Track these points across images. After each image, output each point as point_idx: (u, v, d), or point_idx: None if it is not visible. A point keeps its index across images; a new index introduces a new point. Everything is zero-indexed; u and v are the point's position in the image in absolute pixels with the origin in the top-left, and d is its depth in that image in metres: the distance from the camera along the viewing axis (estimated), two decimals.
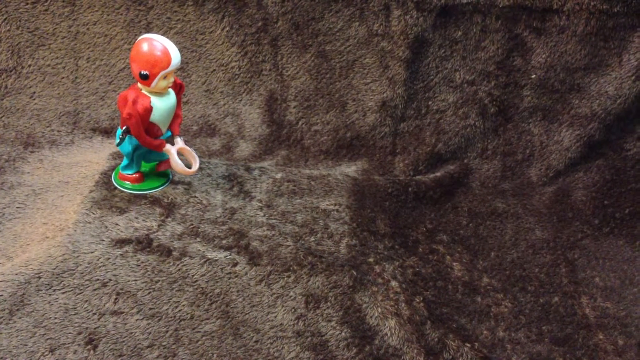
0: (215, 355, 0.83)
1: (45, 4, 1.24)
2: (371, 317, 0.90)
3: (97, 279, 0.87)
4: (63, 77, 1.26)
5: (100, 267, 0.88)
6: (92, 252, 0.89)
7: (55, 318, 0.82)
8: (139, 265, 0.89)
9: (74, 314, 0.83)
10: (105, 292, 0.86)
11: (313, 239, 0.99)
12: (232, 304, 0.88)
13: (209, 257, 0.92)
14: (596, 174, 1.27)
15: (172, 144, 1.01)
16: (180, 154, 1.01)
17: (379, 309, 0.91)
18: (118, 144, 0.98)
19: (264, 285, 0.90)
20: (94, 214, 0.95)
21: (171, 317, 0.85)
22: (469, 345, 0.91)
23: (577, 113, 1.29)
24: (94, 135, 1.23)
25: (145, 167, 1.05)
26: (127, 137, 0.97)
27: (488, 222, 1.19)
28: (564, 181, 1.28)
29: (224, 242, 0.95)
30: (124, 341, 0.82)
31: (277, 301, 0.89)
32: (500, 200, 1.24)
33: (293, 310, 0.89)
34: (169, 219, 0.97)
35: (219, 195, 1.05)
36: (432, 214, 1.18)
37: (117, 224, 0.94)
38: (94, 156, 1.14)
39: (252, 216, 1.02)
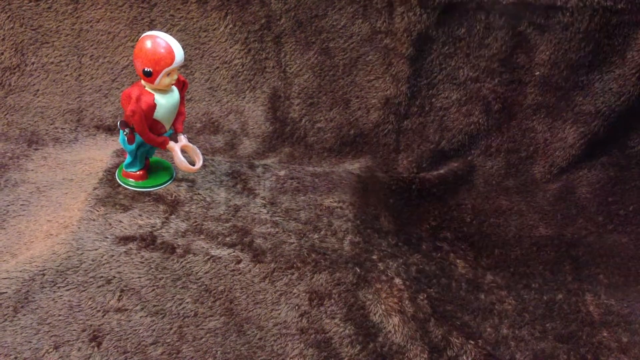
0: (219, 352, 0.83)
1: (49, 1, 1.24)
2: (375, 314, 0.90)
3: (101, 276, 0.87)
4: (66, 75, 1.26)
5: (104, 264, 0.88)
6: (96, 250, 0.89)
7: (60, 315, 0.82)
8: (143, 263, 0.89)
9: (78, 311, 0.83)
10: (110, 289, 0.86)
11: (317, 236, 0.99)
12: (235, 301, 0.88)
13: (213, 254, 0.92)
14: (600, 171, 1.27)
15: (176, 141, 1.01)
16: (183, 151, 1.01)
17: (383, 306, 0.91)
18: (127, 142, 0.99)
19: (267, 283, 0.90)
20: (97, 211, 0.96)
21: (175, 314, 0.85)
22: (472, 342, 0.91)
23: (581, 110, 1.28)
24: (97, 133, 1.23)
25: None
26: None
27: (492, 219, 1.18)
28: (567, 178, 1.28)
29: (227, 239, 0.95)
30: (128, 338, 0.82)
31: (280, 298, 0.89)
32: (504, 197, 1.24)
33: (297, 307, 0.89)
34: (173, 216, 0.98)
35: (222, 192, 1.05)
36: (436, 211, 1.18)
37: (121, 221, 0.94)
38: (98, 153, 1.14)
39: (255, 213, 1.02)
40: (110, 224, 0.94)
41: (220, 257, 0.92)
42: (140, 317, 0.84)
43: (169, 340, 0.83)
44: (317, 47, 1.29)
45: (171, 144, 0.99)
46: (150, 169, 1.05)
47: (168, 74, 0.93)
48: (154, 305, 0.86)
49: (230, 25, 1.27)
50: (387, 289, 0.94)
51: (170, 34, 0.95)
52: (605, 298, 1.06)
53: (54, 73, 1.26)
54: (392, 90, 1.28)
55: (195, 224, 0.97)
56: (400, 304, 0.92)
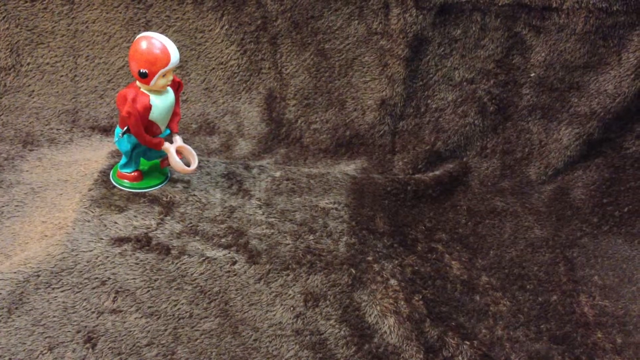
0: (214, 353, 0.83)
1: (44, 2, 1.24)
2: (370, 315, 0.90)
3: (96, 278, 0.87)
4: (62, 76, 1.26)
5: (99, 265, 0.88)
6: (91, 251, 0.89)
7: (54, 316, 0.82)
8: (138, 264, 0.89)
9: (73, 313, 0.83)
10: (104, 290, 0.86)
11: (312, 238, 0.99)
12: (231, 302, 0.88)
13: (208, 255, 0.92)
14: (595, 173, 1.27)
15: (171, 142, 1.01)
16: (179, 152, 1.01)
17: (378, 307, 0.91)
18: (117, 142, 0.99)
19: (262, 284, 0.90)
20: (92, 212, 0.95)
21: (170, 316, 0.85)
22: (468, 343, 0.91)
23: (576, 111, 1.29)
24: (92, 134, 1.23)
25: (144, 165, 1.05)
26: (125, 135, 0.98)
27: (487, 221, 1.19)
28: (563, 179, 1.28)
29: (222, 240, 0.95)
30: (122, 340, 0.82)
31: (276, 299, 0.89)
32: (499, 198, 1.24)
33: (292, 308, 0.89)
34: (168, 218, 0.97)
35: (218, 193, 1.05)
36: (431, 212, 1.18)
37: (116, 223, 0.94)
38: (93, 154, 1.14)
39: (251, 214, 1.02)
40: (105, 225, 0.94)
41: (215, 259, 0.92)
42: (135, 318, 0.84)
43: (163, 342, 0.83)
44: (313, 48, 1.29)
45: (166, 145, 0.99)
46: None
47: (163, 75, 0.93)
48: (149, 307, 0.85)
49: (226, 26, 1.27)
50: (382, 290, 0.94)
51: (166, 35, 0.95)
52: (599, 299, 1.06)
53: (49, 74, 1.25)
54: (387, 91, 1.28)
55: (190, 225, 0.97)
56: (395, 304, 0.92)
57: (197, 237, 0.95)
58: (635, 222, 1.19)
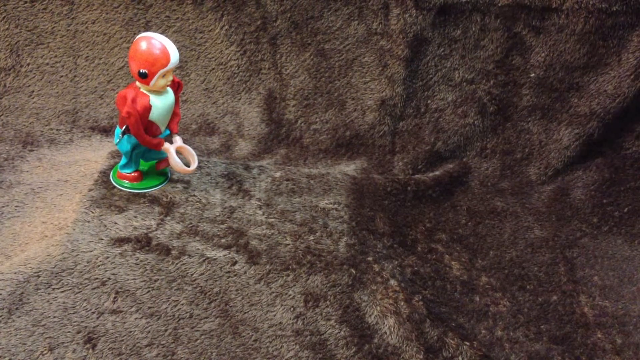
0: (214, 354, 0.83)
1: (44, 2, 1.24)
2: (370, 315, 0.90)
3: (96, 278, 0.87)
4: (62, 76, 1.26)
5: (99, 266, 0.88)
6: (91, 251, 0.89)
7: (54, 317, 0.82)
8: (138, 264, 0.89)
9: (73, 313, 0.83)
10: (104, 291, 0.86)
11: (312, 238, 0.99)
12: (231, 302, 0.88)
13: (208, 255, 0.92)
14: (595, 173, 1.27)
15: (171, 142, 1.01)
16: (179, 152, 1.01)
17: (378, 308, 0.91)
18: (117, 143, 0.99)
19: (263, 284, 0.90)
20: (92, 212, 0.95)
21: (170, 316, 0.85)
22: (468, 343, 0.91)
23: (576, 112, 1.29)
24: (92, 134, 1.23)
25: (143, 165, 1.05)
26: (125, 136, 0.97)
27: (487, 221, 1.19)
28: (563, 180, 1.28)
29: (222, 240, 0.95)
30: (123, 340, 0.82)
31: (276, 300, 0.89)
32: (499, 199, 1.24)
33: (292, 309, 0.89)
34: (168, 218, 0.97)
35: (218, 194, 1.05)
36: (431, 212, 1.19)
37: (116, 223, 0.94)
38: (93, 155, 1.14)
39: (251, 215, 1.02)
40: (105, 226, 0.94)
41: (215, 259, 0.92)
42: (135, 318, 0.84)
43: (164, 342, 0.83)
44: (313, 49, 1.29)
45: (166, 145, 0.99)
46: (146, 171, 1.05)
47: (163, 76, 0.93)
48: (149, 307, 0.85)
49: (226, 27, 1.27)
50: (382, 291, 0.94)
51: (166, 36, 0.95)
52: (599, 299, 1.06)
53: (49, 74, 1.25)
54: (387, 91, 1.28)
55: (190, 225, 0.97)
56: (395, 305, 0.92)
57: (197, 238, 0.95)
58: (635, 222, 1.19)
